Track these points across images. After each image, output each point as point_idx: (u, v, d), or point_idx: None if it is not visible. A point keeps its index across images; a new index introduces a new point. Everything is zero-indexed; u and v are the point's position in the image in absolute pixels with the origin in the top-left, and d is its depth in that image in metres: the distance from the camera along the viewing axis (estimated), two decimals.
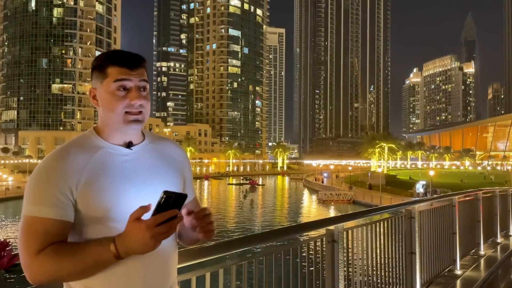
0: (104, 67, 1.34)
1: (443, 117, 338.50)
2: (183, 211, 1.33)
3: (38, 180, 1.25)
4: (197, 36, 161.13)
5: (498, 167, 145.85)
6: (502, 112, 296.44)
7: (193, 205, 1.54)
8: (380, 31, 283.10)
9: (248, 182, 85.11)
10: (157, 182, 1.37)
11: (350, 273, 3.14)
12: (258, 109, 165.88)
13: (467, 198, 6.36)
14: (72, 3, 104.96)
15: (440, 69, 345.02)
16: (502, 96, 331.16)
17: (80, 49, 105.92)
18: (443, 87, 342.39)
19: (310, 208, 49.40)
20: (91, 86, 1.42)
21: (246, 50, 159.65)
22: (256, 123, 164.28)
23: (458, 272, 5.42)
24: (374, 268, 3.56)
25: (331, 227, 2.96)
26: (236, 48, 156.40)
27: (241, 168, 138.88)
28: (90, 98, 1.40)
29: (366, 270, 3.45)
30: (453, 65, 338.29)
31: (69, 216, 1.26)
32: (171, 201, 1.14)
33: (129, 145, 1.38)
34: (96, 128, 1.40)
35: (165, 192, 1.14)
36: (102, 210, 1.27)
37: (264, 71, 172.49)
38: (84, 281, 1.28)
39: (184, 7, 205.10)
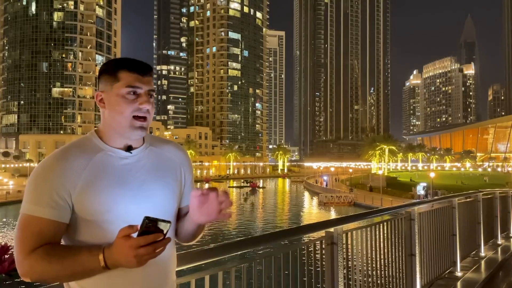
0: (116, 71, 1.37)
1: (444, 119, 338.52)
2: (196, 193, 1.36)
3: (36, 179, 1.28)
4: (197, 39, 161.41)
5: (499, 169, 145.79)
6: (503, 113, 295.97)
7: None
8: (379, 33, 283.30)
9: (248, 184, 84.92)
10: (154, 186, 1.39)
11: (349, 276, 3.14)
12: (259, 112, 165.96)
13: (467, 200, 6.36)
14: (72, 7, 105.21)
15: (440, 71, 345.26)
16: (502, 98, 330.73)
17: (80, 53, 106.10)
18: (443, 88, 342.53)
19: (311, 210, 49.32)
20: (97, 90, 1.44)
21: (246, 53, 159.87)
22: (257, 125, 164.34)
23: (459, 274, 5.41)
24: (374, 270, 3.56)
25: (331, 229, 2.96)
26: (236, 51, 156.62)
27: (242, 171, 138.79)
28: (97, 101, 1.41)
29: (365, 272, 3.45)
30: (453, 67, 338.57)
31: (64, 217, 1.28)
32: (153, 226, 1.16)
33: (129, 148, 1.40)
34: (98, 131, 1.42)
35: (146, 217, 1.16)
36: (99, 212, 1.29)
37: (264, 74, 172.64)
38: (82, 283, 1.30)
39: (184, 10, 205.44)
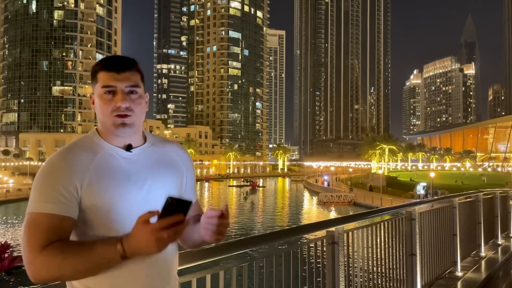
0: (96, 73, 1.37)
1: (444, 119, 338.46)
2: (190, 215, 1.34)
3: (43, 178, 1.28)
4: (198, 38, 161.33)
5: (499, 169, 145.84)
6: (503, 113, 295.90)
7: (195, 209, 1.54)
8: (380, 33, 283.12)
9: (248, 184, 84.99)
10: (156, 184, 1.38)
11: (350, 275, 3.14)
12: (259, 111, 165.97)
13: (468, 200, 6.36)
14: (72, 5, 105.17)
15: (440, 71, 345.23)
16: (503, 98, 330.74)
17: (80, 52, 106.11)
18: (444, 88, 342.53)
19: (311, 210, 49.36)
20: (92, 92, 1.46)
21: (246, 52, 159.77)
22: (257, 125, 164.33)
23: (459, 273, 5.42)
24: (375, 270, 3.57)
25: (332, 229, 2.96)
26: (237, 50, 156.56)
27: (242, 170, 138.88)
28: (91, 103, 1.43)
29: (366, 272, 3.46)
30: (453, 67, 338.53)
31: (73, 213, 1.27)
32: (176, 206, 1.15)
33: (128, 147, 1.39)
34: (98, 130, 1.43)
35: (170, 197, 1.15)
36: (104, 211, 1.29)
37: (265, 73, 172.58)
38: (86, 282, 1.29)
39: (184, 9, 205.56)
